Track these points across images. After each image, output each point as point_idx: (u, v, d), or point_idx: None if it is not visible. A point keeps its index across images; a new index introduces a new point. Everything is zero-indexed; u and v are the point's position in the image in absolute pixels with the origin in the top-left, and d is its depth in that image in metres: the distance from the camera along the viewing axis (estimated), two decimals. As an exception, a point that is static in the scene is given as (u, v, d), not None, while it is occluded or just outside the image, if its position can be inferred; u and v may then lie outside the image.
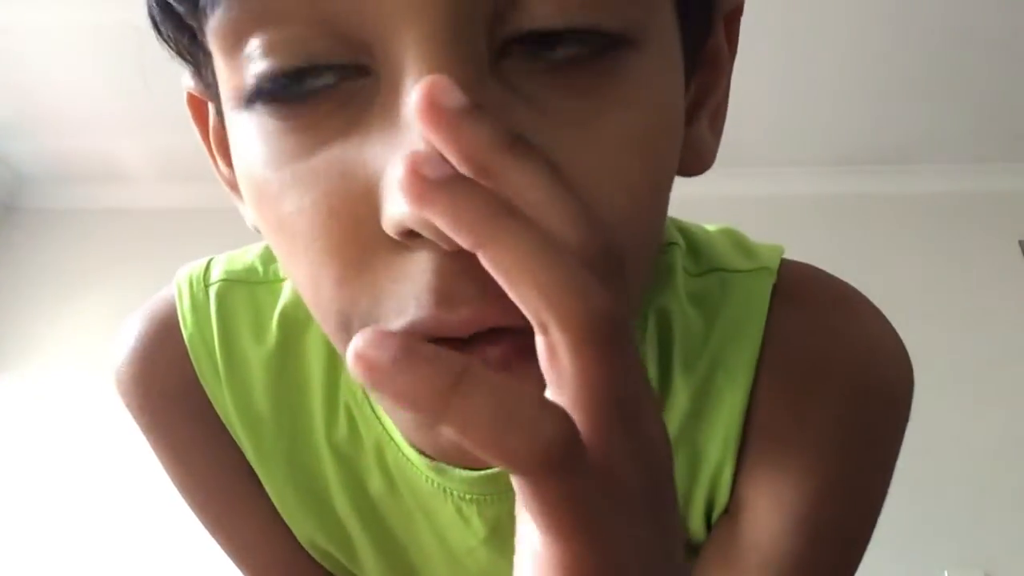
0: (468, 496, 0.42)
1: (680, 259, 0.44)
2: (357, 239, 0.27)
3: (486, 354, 0.27)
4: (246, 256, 0.50)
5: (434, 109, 0.21)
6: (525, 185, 0.22)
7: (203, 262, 0.51)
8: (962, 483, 2.27)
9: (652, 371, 0.41)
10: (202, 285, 0.49)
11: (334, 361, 0.43)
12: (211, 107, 0.40)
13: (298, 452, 0.47)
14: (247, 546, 0.52)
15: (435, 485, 0.43)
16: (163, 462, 0.51)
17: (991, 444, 2.32)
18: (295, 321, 0.45)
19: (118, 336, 0.51)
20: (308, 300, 0.30)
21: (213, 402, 0.46)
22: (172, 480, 0.52)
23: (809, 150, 2.69)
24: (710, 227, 0.49)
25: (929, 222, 2.68)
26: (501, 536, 0.43)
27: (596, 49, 0.27)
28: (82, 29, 2.24)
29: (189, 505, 0.53)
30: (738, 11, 0.40)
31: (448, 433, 0.22)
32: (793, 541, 0.40)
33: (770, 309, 0.41)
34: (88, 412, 2.52)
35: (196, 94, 0.41)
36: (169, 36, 0.35)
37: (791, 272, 0.43)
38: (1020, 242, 2.63)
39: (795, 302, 0.41)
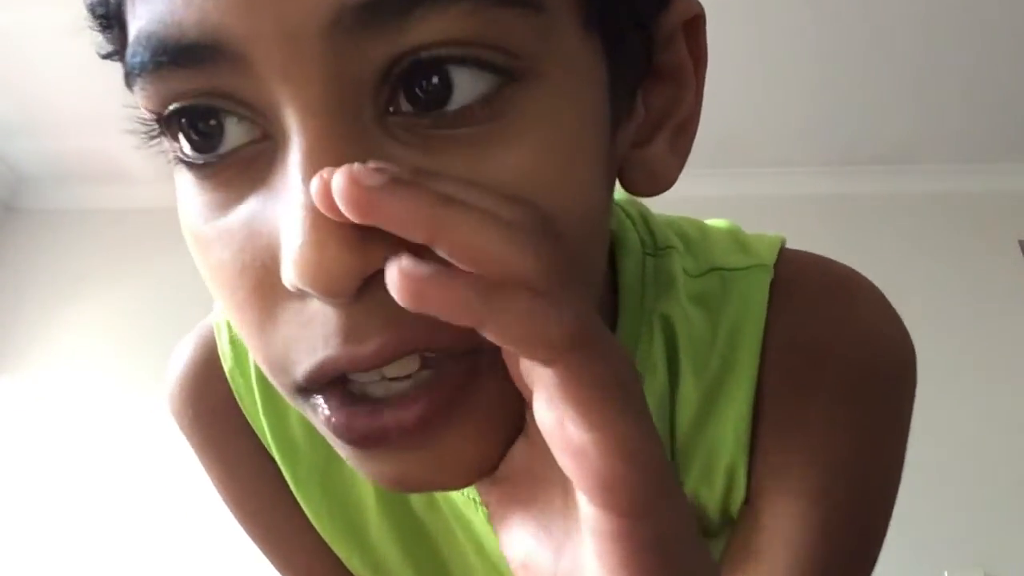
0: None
1: (679, 262, 0.44)
2: (265, 292, 0.28)
3: (404, 416, 0.27)
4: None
5: (330, 204, 0.23)
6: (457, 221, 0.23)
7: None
8: (962, 483, 2.27)
9: (661, 379, 0.42)
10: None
11: None
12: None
13: (333, 479, 0.48)
14: (294, 554, 0.52)
15: (465, 495, 0.44)
16: (213, 475, 0.53)
17: (991, 444, 2.32)
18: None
19: (170, 358, 0.51)
20: (252, 350, 0.31)
21: (254, 429, 0.49)
22: (222, 493, 0.53)
23: (809, 150, 2.69)
24: (709, 222, 0.49)
25: (929, 222, 2.68)
26: None
27: (484, 93, 0.26)
28: (82, 29, 2.23)
29: (238, 517, 0.54)
30: (697, 20, 0.36)
31: (386, 467, 0.26)
32: (810, 526, 0.41)
33: (770, 304, 0.41)
34: (88, 412, 2.52)
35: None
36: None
37: (789, 264, 0.44)
38: (1020, 242, 2.63)
39: (792, 295, 0.42)
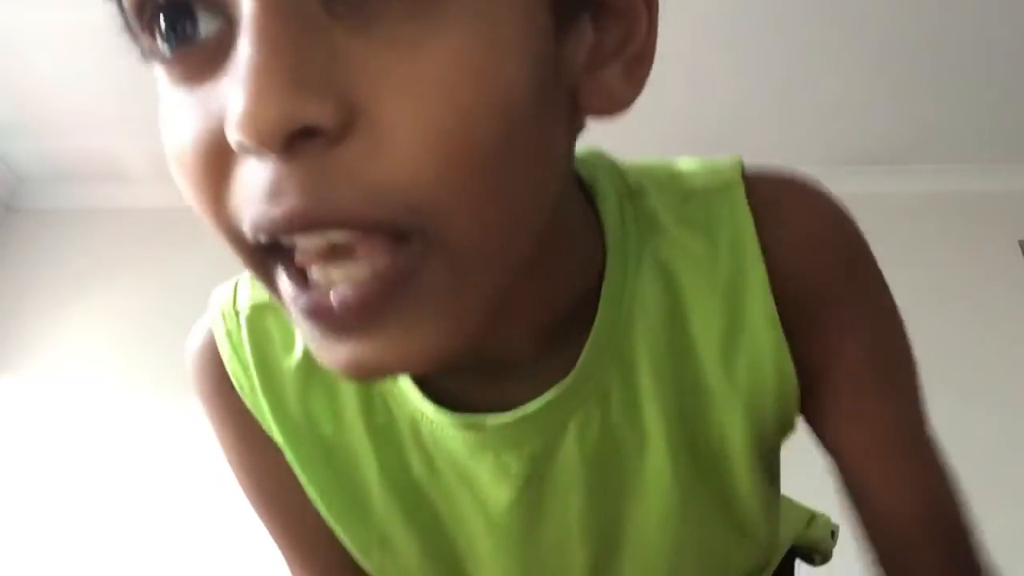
0: (506, 439, 0.45)
1: (656, 200, 0.46)
2: (217, 163, 0.31)
3: (347, 296, 0.31)
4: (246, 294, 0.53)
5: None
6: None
7: (230, 289, 0.53)
8: (962, 483, 2.27)
9: (654, 317, 0.44)
10: (233, 314, 0.51)
11: None
12: None
13: (335, 456, 0.49)
14: (298, 526, 0.54)
15: (472, 443, 0.45)
16: (225, 443, 0.55)
17: (991, 444, 2.32)
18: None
19: (186, 343, 0.54)
20: (204, 220, 0.33)
21: (256, 415, 0.50)
22: (232, 463, 0.56)
23: (809, 150, 2.69)
24: (669, 158, 0.51)
25: (929, 222, 2.68)
26: (539, 474, 0.46)
27: None
28: (82, 29, 2.24)
29: (248, 490, 0.56)
30: None
31: (342, 353, 0.30)
32: (884, 398, 0.50)
33: (755, 216, 0.45)
34: (88, 411, 2.52)
35: None
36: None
37: (756, 179, 0.47)
38: (1020, 242, 2.63)
39: (775, 204, 0.46)
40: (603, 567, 0.49)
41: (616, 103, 0.37)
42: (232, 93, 0.28)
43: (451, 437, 0.45)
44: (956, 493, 0.55)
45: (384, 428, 0.47)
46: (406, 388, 0.46)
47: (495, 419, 0.44)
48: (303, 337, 0.36)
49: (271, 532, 0.56)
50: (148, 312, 2.67)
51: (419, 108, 0.28)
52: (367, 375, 0.32)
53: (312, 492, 0.50)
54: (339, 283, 0.30)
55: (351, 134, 0.28)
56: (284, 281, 0.32)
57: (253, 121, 0.27)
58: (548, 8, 0.32)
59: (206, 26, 0.31)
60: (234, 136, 0.28)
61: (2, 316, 2.68)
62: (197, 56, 0.31)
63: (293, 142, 0.28)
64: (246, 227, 0.31)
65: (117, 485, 2.41)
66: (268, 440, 0.51)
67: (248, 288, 0.52)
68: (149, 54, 0.33)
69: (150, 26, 0.32)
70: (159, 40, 0.32)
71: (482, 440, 0.45)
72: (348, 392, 0.48)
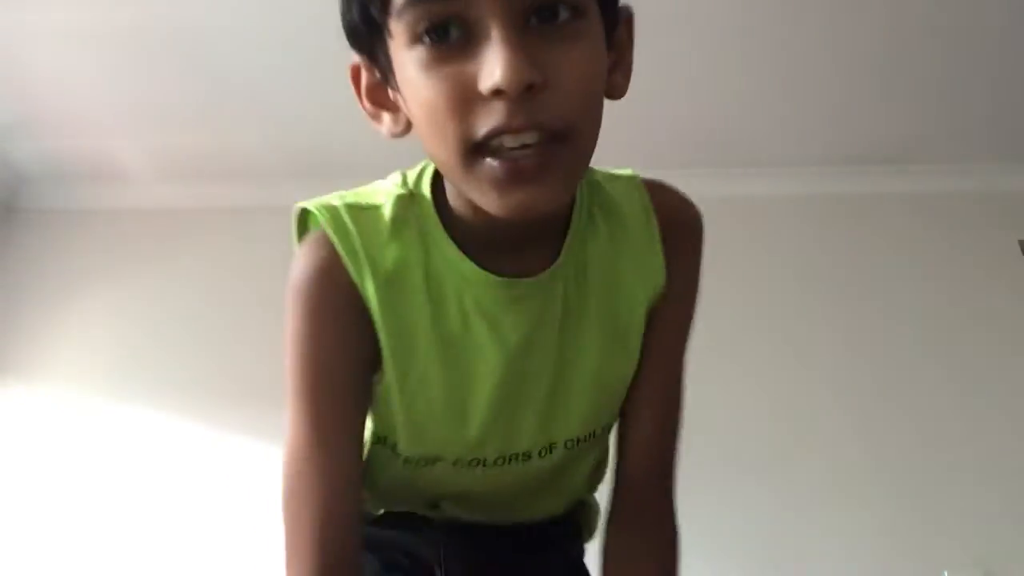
0: (530, 292, 0.71)
1: (597, 175, 0.78)
2: (463, 105, 0.57)
3: (528, 165, 0.58)
4: (340, 200, 0.73)
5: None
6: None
7: (317, 204, 0.71)
8: (962, 483, 2.27)
9: (604, 233, 0.75)
10: (328, 208, 0.70)
11: (417, 229, 0.71)
12: (367, 74, 0.67)
13: (403, 301, 0.70)
14: (335, 421, 0.71)
15: (507, 296, 0.70)
16: (308, 329, 0.70)
17: (991, 444, 2.33)
18: (401, 212, 0.71)
19: (293, 265, 0.71)
20: (440, 146, 0.60)
21: (357, 279, 0.68)
22: (303, 356, 0.70)
23: (809, 150, 2.70)
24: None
25: (929, 222, 2.69)
26: (540, 318, 0.72)
27: (567, 18, 0.58)
28: (82, 29, 2.24)
29: (303, 387, 0.70)
30: (631, 18, 0.69)
31: (515, 198, 0.58)
32: (679, 328, 0.80)
33: (649, 192, 0.77)
34: (88, 411, 2.52)
35: (361, 65, 0.67)
36: (358, 34, 0.64)
37: (645, 178, 0.79)
38: (1020, 242, 2.64)
39: (658, 192, 0.78)
40: (555, 395, 0.74)
41: (619, 91, 0.67)
42: (486, 68, 0.56)
43: (491, 292, 0.69)
44: (679, 414, 0.81)
45: (436, 290, 0.70)
46: (460, 262, 0.69)
47: (524, 281, 0.70)
48: (482, 196, 0.60)
49: (308, 404, 0.70)
50: (148, 312, 2.67)
51: (573, 77, 0.58)
52: (529, 211, 0.59)
53: (382, 332, 0.69)
54: (525, 157, 0.57)
55: (544, 88, 0.57)
56: (491, 160, 0.58)
57: (508, 82, 0.55)
58: (605, 43, 0.63)
59: (455, 31, 0.58)
60: (492, 86, 0.55)
61: (2, 316, 2.68)
62: (448, 50, 0.58)
63: (521, 91, 0.55)
64: (482, 132, 0.57)
65: (116, 483, 2.40)
66: (351, 324, 0.69)
67: (325, 201, 0.72)
68: (411, 44, 0.59)
69: (417, 28, 0.58)
70: (425, 37, 0.58)
71: (516, 293, 0.70)
72: (416, 260, 0.69)
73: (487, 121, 0.56)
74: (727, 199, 2.74)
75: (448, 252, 0.69)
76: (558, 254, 0.70)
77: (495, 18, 0.55)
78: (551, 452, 0.76)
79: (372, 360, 0.70)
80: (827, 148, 2.69)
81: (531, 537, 0.85)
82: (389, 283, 0.69)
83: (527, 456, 0.75)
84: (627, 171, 0.79)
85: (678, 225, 0.76)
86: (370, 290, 0.68)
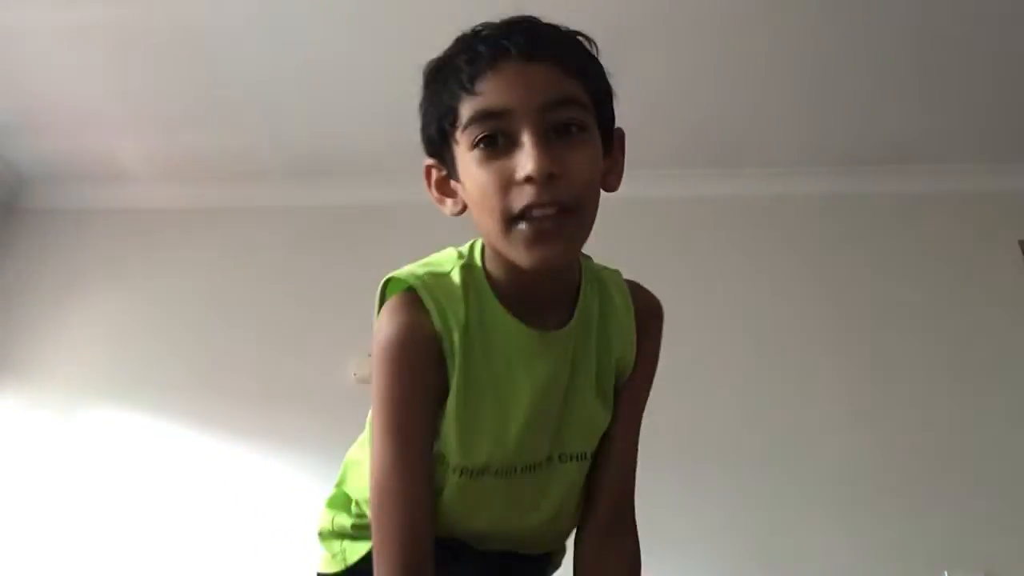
0: (555, 343, 0.91)
1: (591, 263, 0.99)
2: (506, 188, 0.79)
3: (550, 228, 0.79)
4: (421, 270, 0.92)
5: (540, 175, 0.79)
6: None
7: (407, 273, 0.90)
8: (962, 483, 2.27)
9: (596, 312, 0.95)
10: (419, 277, 0.89)
11: (475, 291, 0.91)
12: (436, 172, 0.89)
13: (466, 350, 0.89)
14: (415, 449, 0.88)
15: (538, 344, 0.90)
16: (397, 385, 0.87)
17: (991, 444, 2.33)
18: (466, 278, 0.91)
19: (380, 325, 0.88)
20: (488, 217, 0.81)
21: (443, 329, 0.87)
22: (389, 408, 0.87)
23: (809, 150, 2.70)
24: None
25: (929, 222, 2.69)
26: (561, 362, 0.92)
27: (576, 133, 0.82)
28: (82, 29, 2.24)
29: (390, 422, 0.87)
30: (623, 136, 0.90)
31: (540, 252, 0.80)
32: (646, 388, 1.00)
33: (629, 289, 0.99)
34: (88, 410, 2.52)
35: (432, 166, 0.89)
36: (433, 142, 0.87)
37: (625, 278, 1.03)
38: (1020, 242, 2.64)
39: (636, 286, 1.00)
40: (563, 420, 0.94)
41: (611, 187, 0.89)
42: (521, 163, 0.78)
43: (528, 342, 0.90)
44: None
45: (490, 339, 0.90)
46: (506, 317, 0.90)
47: (551, 334, 0.91)
48: (516, 253, 0.81)
49: (395, 435, 0.87)
50: (147, 312, 2.67)
51: (577, 171, 0.80)
52: (550, 263, 0.80)
53: (457, 372, 0.88)
54: (547, 223, 0.79)
55: (560, 177, 0.78)
56: (523, 225, 0.79)
57: (536, 171, 0.77)
58: (601, 151, 0.85)
59: (501, 140, 0.80)
60: (525, 175, 0.77)
61: (2, 316, 2.68)
62: (496, 152, 0.80)
63: (545, 180, 0.77)
64: (518, 207, 0.78)
65: (116, 483, 2.41)
66: (431, 394, 0.88)
67: (410, 270, 0.91)
68: (471, 148, 0.81)
69: (475, 137, 0.81)
70: (479, 144, 0.81)
71: (545, 343, 0.91)
72: (476, 316, 0.89)
73: (521, 199, 0.79)
74: (731, 199, 2.74)
75: (497, 310, 0.90)
76: (570, 316, 0.93)
77: (528, 132, 0.79)
78: (560, 461, 0.96)
79: (442, 399, 0.89)
80: (827, 148, 2.69)
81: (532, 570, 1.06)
82: (465, 333, 0.88)
83: (548, 460, 0.95)
84: (613, 267, 1.03)
85: (648, 313, 0.99)
86: (456, 339, 0.88)
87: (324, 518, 1.02)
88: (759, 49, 2.29)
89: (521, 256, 0.81)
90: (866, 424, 2.36)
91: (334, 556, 1.00)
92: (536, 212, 0.78)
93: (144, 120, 2.57)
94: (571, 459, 0.96)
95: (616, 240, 2.67)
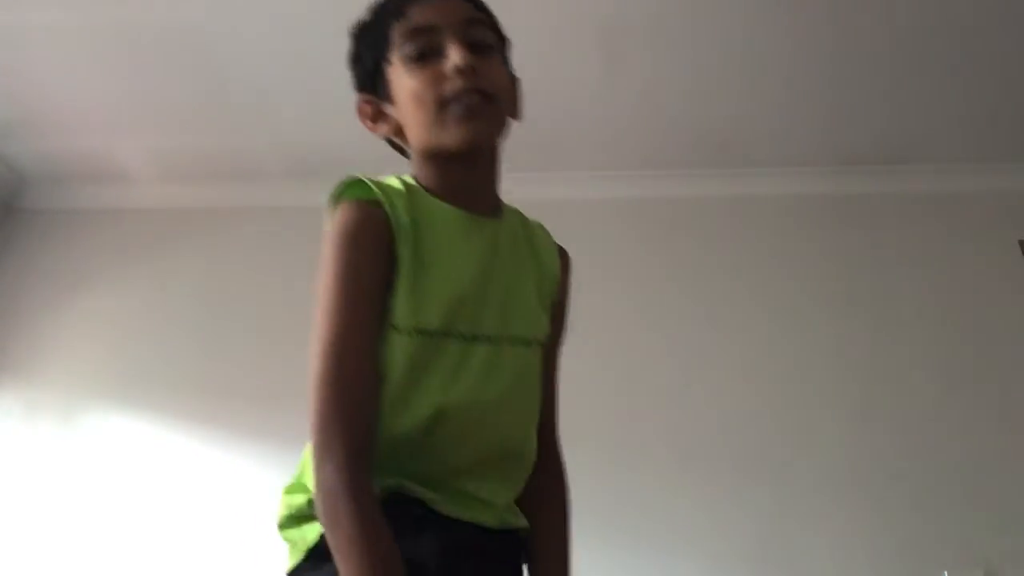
0: (483, 224, 1.01)
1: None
2: (436, 83, 0.95)
3: (476, 106, 0.96)
4: (363, 176, 1.01)
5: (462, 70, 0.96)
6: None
7: (363, 177, 0.98)
8: (962, 483, 2.27)
9: (513, 213, 1.09)
10: (369, 178, 0.97)
11: (412, 190, 1.00)
12: (371, 106, 1.03)
13: (416, 228, 0.97)
14: (361, 333, 0.90)
15: (470, 224, 1.00)
16: (349, 258, 0.93)
17: (991, 444, 2.33)
18: (403, 182, 1.00)
19: (337, 216, 0.97)
20: (422, 111, 0.96)
21: (391, 213, 0.95)
22: (345, 271, 0.93)
23: (809, 150, 2.70)
24: None
25: (929, 222, 2.69)
26: (494, 243, 1.02)
27: (488, 50, 1.00)
28: (82, 29, 2.24)
29: (343, 299, 0.91)
30: (520, 85, 1.10)
31: (470, 128, 0.95)
32: (563, 336, 1.12)
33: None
34: (88, 410, 2.52)
35: (366, 100, 1.04)
36: (367, 75, 1.03)
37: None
38: (1020, 242, 2.64)
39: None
40: (509, 297, 1.00)
41: (515, 116, 1.10)
42: (451, 59, 0.94)
43: (460, 222, 0.99)
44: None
45: (430, 220, 0.97)
46: (438, 203, 0.98)
47: (478, 216, 1.01)
48: (448, 132, 0.94)
49: (346, 301, 0.91)
50: (148, 312, 2.67)
51: (496, 74, 0.98)
52: (477, 138, 0.95)
53: (406, 245, 0.94)
54: (473, 103, 0.94)
55: (480, 71, 0.95)
56: (453, 106, 0.93)
57: (464, 63, 0.93)
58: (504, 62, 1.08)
59: (430, 53, 0.96)
60: (453, 67, 0.94)
61: (2, 316, 2.68)
62: (426, 62, 0.96)
63: (470, 70, 0.94)
64: (448, 93, 0.93)
65: (116, 482, 2.41)
66: (382, 248, 0.94)
67: (358, 175, 0.99)
68: (406, 62, 0.97)
69: (408, 55, 0.97)
70: (413, 57, 0.96)
71: (478, 224, 1.00)
72: (416, 205, 0.97)
73: (452, 86, 0.93)
74: (728, 199, 2.74)
75: (433, 201, 1.00)
76: (496, 215, 1.04)
77: (452, 40, 0.95)
78: (510, 344, 1.00)
79: (389, 278, 0.94)
80: (827, 148, 2.69)
81: (509, 548, 1.03)
82: (410, 215, 0.96)
83: (499, 338, 0.99)
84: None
85: (566, 259, 1.13)
86: (403, 220, 0.95)
87: (281, 505, 0.99)
88: (759, 49, 2.29)
89: (452, 135, 0.95)
90: (865, 424, 2.36)
91: (295, 545, 0.94)
92: (464, 97, 0.93)
93: (144, 120, 2.58)
94: (520, 343, 1.01)
95: (616, 240, 2.68)
